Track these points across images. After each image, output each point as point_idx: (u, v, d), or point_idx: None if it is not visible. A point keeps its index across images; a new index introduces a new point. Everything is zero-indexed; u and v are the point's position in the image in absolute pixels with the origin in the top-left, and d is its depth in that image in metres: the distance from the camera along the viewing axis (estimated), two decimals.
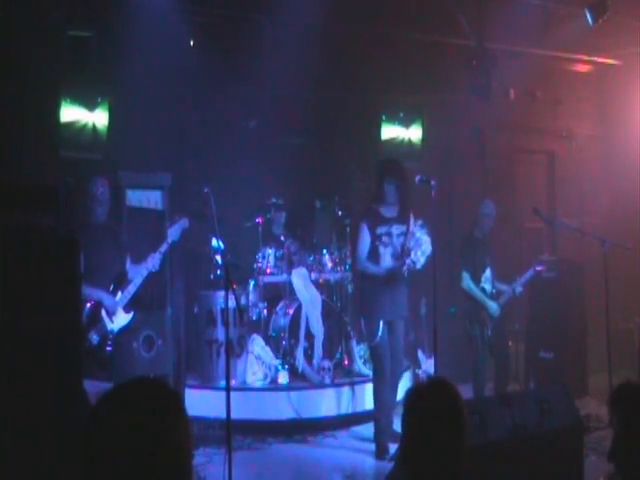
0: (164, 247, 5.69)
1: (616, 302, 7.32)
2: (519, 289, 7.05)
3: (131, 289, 5.59)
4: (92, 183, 5.52)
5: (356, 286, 6.19)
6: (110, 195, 5.63)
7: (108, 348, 5.43)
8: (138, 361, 5.88)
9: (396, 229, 6.02)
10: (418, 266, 5.83)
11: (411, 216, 6.02)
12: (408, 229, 5.94)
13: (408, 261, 5.75)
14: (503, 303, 6.89)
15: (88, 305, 5.37)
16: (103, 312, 5.42)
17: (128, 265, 5.64)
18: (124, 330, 5.56)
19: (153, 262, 5.62)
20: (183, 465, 1.61)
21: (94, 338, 5.37)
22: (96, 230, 5.51)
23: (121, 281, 5.58)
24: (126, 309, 5.57)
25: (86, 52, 6.26)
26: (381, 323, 5.92)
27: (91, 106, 6.37)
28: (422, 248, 5.76)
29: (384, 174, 5.98)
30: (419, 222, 5.92)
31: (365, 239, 6.02)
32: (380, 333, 5.91)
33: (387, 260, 5.98)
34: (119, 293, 5.54)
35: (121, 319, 5.53)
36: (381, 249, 6.00)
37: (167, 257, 5.89)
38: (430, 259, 5.74)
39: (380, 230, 5.99)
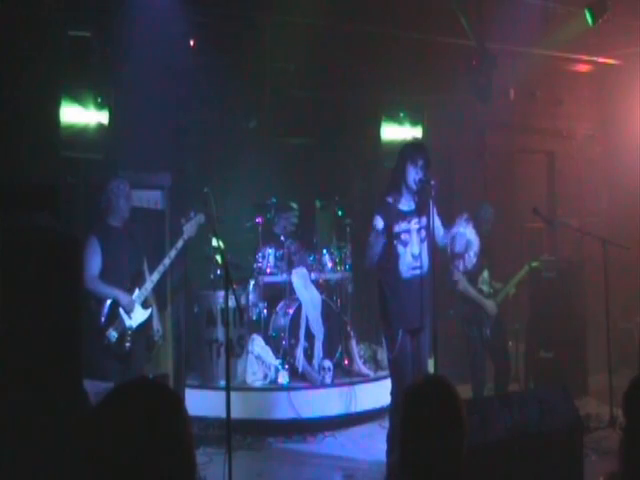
0: (180, 243, 5.73)
1: (616, 302, 7.33)
2: (512, 290, 7.08)
3: (148, 286, 5.65)
4: (116, 182, 5.57)
5: (377, 292, 5.45)
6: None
7: (127, 344, 5.47)
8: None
9: (416, 224, 5.35)
10: (470, 267, 5.50)
11: (463, 216, 5.39)
12: (429, 222, 5.30)
13: (461, 267, 5.42)
14: (500, 301, 6.91)
15: (107, 303, 5.43)
16: (121, 310, 5.46)
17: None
18: (143, 326, 5.61)
19: (170, 258, 5.70)
20: (185, 465, 1.62)
21: (112, 335, 5.41)
22: (114, 230, 5.56)
23: (138, 279, 5.63)
24: (144, 305, 5.62)
25: (86, 52, 6.25)
26: (400, 332, 5.27)
27: (91, 106, 6.36)
28: (474, 249, 5.40)
29: (410, 153, 5.32)
30: (464, 217, 5.39)
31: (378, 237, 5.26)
32: (399, 344, 5.25)
33: (408, 260, 5.30)
34: (136, 290, 5.58)
35: (139, 315, 5.57)
36: (400, 249, 5.29)
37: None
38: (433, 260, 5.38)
39: (398, 227, 5.28)
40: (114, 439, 1.56)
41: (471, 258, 5.45)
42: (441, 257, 5.53)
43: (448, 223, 5.53)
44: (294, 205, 7.85)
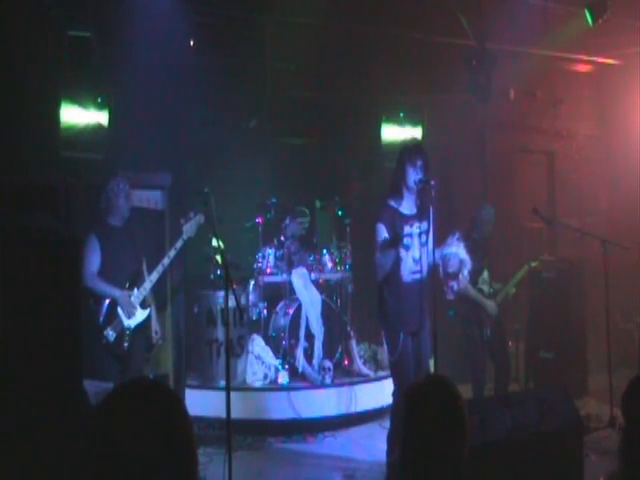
0: (179, 243, 5.73)
1: (616, 302, 7.32)
2: (512, 290, 7.08)
3: (147, 285, 5.65)
4: (115, 182, 5.58)
5: (377, 295, 5.43)
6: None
7: (125, 344, 5.48)
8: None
9: (417, 228, 5.32)
10: (463, 287, 5.65)
11: (454, 235, 5.42)
12: (429, 227, 5.32)
13: (455, 287, 5.46)
14: (500, 301, 6.91)
15: (106, 302, 5.44)
16: (119, 309, 5.47)
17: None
18: (141, 326, 5.62)
19: (169, 258, 5.70)
20: (186, 465, 1.61)
21: (110, 334, 5.43)
22: (114, 230, 5.58)
23: (137, 279, 5.63)
24: (143, 305, 5.63)
25: (86, 52, 6.25)
26: (401, 335, 5.26)
27: (91, 106, 6.36)
28: (468, 267, 5.46)
29: (409, 154, 5.29)
30: (456, 236, 5.41)
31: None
32: (401, 346, 5.26)
33: (409, 264, 5.27)
34: (135, 290, 5.59)
35: (138, 315, 5.58)
36: (402, 252, 5.25)
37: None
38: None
39: (400, 231, 5.25)
40: (114, 440, 1.56)
41: (465, 277, 5.50)
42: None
43: (442, 235, 5.51)
44: (306, 210, 7.87)
